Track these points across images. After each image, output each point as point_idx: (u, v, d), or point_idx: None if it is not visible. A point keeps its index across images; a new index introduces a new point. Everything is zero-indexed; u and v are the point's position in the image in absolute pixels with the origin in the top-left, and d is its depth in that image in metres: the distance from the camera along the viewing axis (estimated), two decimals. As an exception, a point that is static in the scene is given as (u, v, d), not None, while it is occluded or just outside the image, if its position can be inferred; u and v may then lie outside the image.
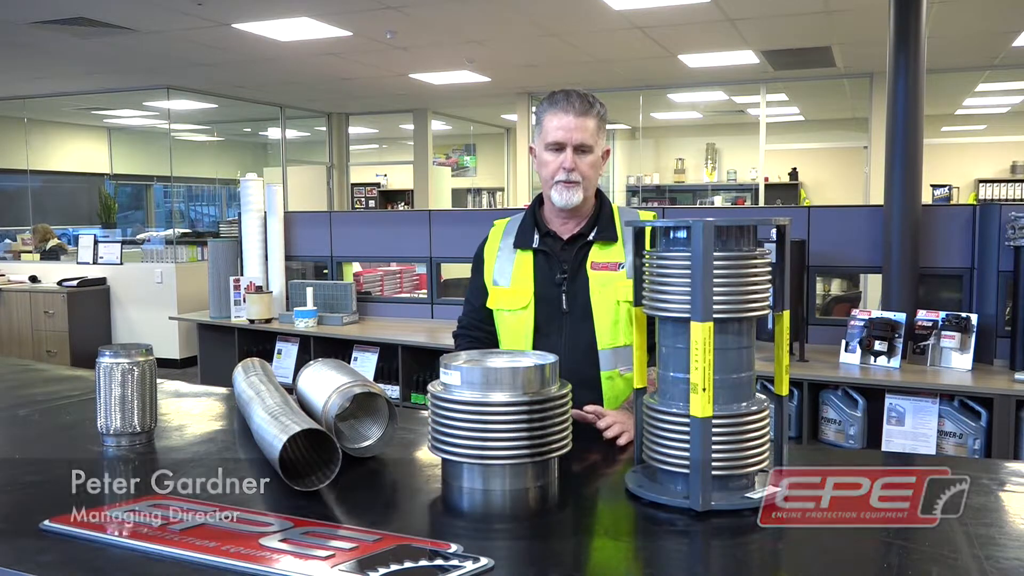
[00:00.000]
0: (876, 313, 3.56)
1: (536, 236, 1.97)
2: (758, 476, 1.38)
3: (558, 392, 1.45)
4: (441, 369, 1.47)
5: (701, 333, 1.27)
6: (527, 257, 1.97)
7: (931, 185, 9.64)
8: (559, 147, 1.87)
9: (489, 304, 2.01)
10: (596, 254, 1.93)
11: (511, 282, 1.97)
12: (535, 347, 1.89)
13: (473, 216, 5.80)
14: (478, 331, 2.05)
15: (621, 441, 1.71)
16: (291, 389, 1.74)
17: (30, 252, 8.81)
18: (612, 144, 11.85)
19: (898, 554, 1.16)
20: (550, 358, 1.49)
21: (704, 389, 1.27)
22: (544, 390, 1.44)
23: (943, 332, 3.41)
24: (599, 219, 1.96)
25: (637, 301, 1.44)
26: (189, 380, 2.60)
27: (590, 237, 1.94)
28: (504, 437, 1.39)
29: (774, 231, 1.40)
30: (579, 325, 1.91)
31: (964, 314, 3.43)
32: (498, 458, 1.39)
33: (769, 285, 1.36)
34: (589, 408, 1.77)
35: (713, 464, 1.30)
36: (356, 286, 5.09)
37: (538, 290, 1.93)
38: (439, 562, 1.09)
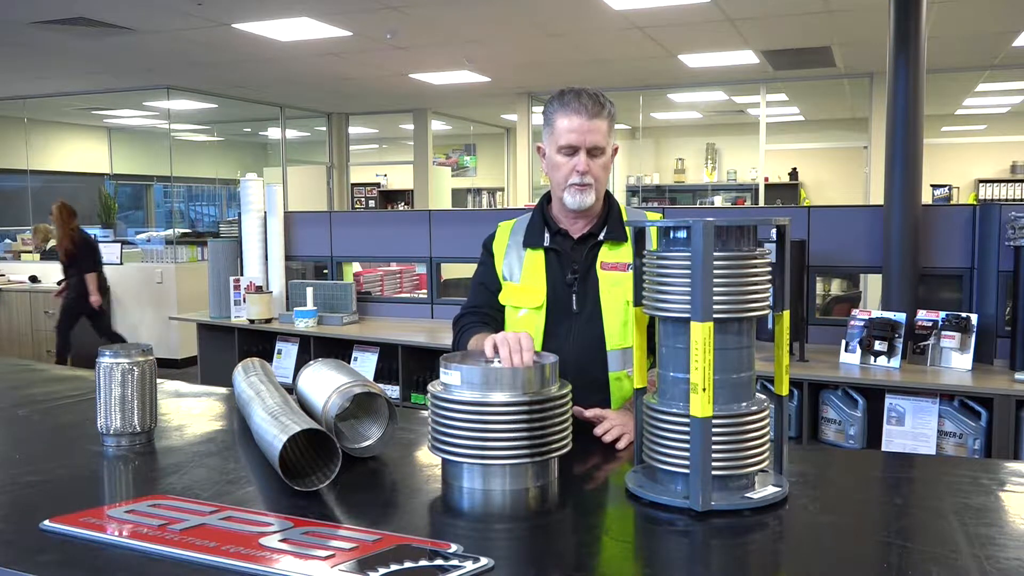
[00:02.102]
0: (876, 313, 3.55)
1: (547, 235, 1.96)
2: (758, 476, 1.38)
3: (558, 392, 1.45)
4: (441, 369, 1.47)
5: (701, 333, 1.27)
6: (538, 256, 1.95)
7: (931, 185, 9.64)
8: (572, 150, 1.85)
9: (501, 299, 1.98)
10: (606, 254, 1.92)
11: (521, 280, 1.95)
12: (544, 347, 1.88)
13: (473, 216, 5.80)
14: (489, 310, 1.99)
15: (621, 444, 1.70)
16: (291, 389, 1.74)
17: (30, 252, 8.81)
18: (612, 144, 11.87)
19: (898, 554, 1.16)
20: (550, 358, 1.49)
21: (704, 389, 1.27)
22: (544, 390, 1.44)
23: (943, 332, 3.41)
24: (608, 219, 1.95)
25: (637, 301, 1.44)
26: (189, 380, 2.60)
27: (600, 237, 1.93)
28: (504, 437, 1.39)
29: (774, 231, 1.40)
30: (588, 326, 1.90)
31: (964, 314, 3.43)
32: (498, 458, 1.39)
33: (769, 285, 1.36)
34: (590, 413, 1.75)
35: (713, 464, 1.30)
36: (356, 286, 5.09)
37: (550, 290, 1.92)
38: (439, 562, 1.09)
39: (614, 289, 1.89)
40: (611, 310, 1.89)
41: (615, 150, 1.95)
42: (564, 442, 1.46)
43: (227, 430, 1.86)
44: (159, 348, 7.45)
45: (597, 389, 1.86)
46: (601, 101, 1.85)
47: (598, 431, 1.72)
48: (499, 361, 1.50)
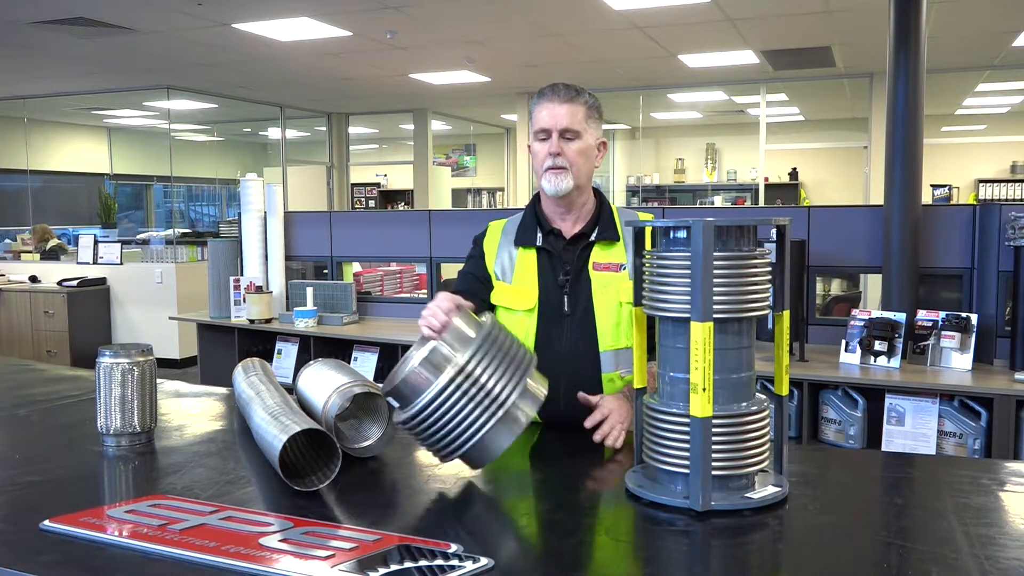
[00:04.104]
0: (876, 313, 3.55)
1: (539, 234, 1.95)
2: (758, 476, 1.38)
3: (490, 326, 1.46)
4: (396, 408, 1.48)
5: (701, 333, 1.27)
6: (530, 255, 1.94)
7: (931, 185, 9.64)
8: (546, 133, 1.87)
9: (493, 299, 1.97)
10: (598, 255, 1.91)
11: (513, 280, 1.94)
12: (537, 350, 1.86)
13: (473, 216, 5.80)
14: (470, 296, 1.90)
15: (619, 444, 1.68)
16: (291, 389, 1.74)
17: (30, 252, 8.81)
18: (612, 144, 11.86)
19: (898, 554, 1.16)
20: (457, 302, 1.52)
21: (704, 389, 1.27)
22: (478, 335, 1.44)
23: (943, 332, 3.41)
24: (600, 219, 1.94)
25: (637, 301, 1.44)
26: (189, 380, 2.60)
27: (592, 237, 1.92)
28: (483, 394, 1.39)
29: (774, 231, 1.40)
30: (581, 327, 1.89)
31: (964, 314, 3.43)
32: (492, 415, 1.39)
33: (769, 285, 1.36)
34: (588, 424, 1.72)
35: (713, 464, 1.30)
36: (356, 286, 5.09)
37: (542, 292, 1.91)
38: (439, 562, 1.09)
39: (606, 290, 1.88)
40: (604, 311, 1.88)
41: (603, 144, 1.94)
42: (526, 356, 1.47)
43: (227, 430, 1.86)
44: (159, 348, 7.45)
45: (591, 391, 1.84)
46: (577, 89, 1.88)
47: (597, 437, 1.70)
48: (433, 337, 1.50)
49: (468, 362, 1.39)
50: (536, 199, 2.01)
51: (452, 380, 1.37)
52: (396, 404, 1.44)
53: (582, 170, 1.89)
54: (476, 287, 1.98)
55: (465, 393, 1.38)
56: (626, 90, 9.42)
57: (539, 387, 1.48)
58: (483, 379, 1.39)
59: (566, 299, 1.90)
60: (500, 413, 1.38)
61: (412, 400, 1.40)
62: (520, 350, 1.48)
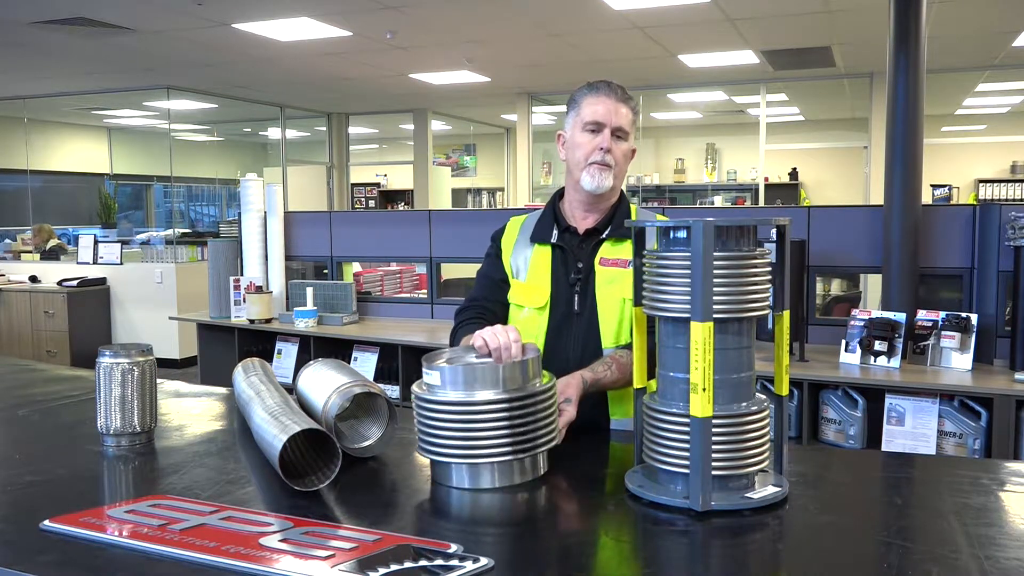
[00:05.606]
0: (876, 313, 3.55)
1: (555, 231, 1.95)
2: (758, 476, 1.38)
3: (541, 387, 1.46)
4: (423, 369, 1.49)
5: (701, 333, 1.27)
6: (544, 252, 1.95)
7: (931, 185, 9.65)
8: (597, 127, 1.86)
9: (508, 296, 1.98)
10: (607, 250, 1.92)
11: (527, 277, 1.95)
12: (547, 347, 1.89)
13: (473, 216, 5.80)
14: (490, 303, 1.97)
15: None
16: (291, 389, 1.74)
17: (30, 252, 8.81)
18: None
19: (898, 554, 1.16)
20: (532, 352, 1.52)
21: (704, 389, 1.27)
22: (527, 385, 1.45)
23: (943, 332, 3.41)
24: (615, 216, 1.95)
25: (637, 301, 1.44)
26: (189, 380, 2.60)
27: (604, 234, 1.93)
28: (489, 435, 1.40)
29: (774, 231, 1.40)
30: (587, 324, 1.90)
31: (964, 314, 3.43)
32: (484, 456, 1.40)
33: (769, 285, 1.35)
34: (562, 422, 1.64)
35: (713, 464, 1.30)
36: (356, 286, 5.09)
37: (553, 289, 1.92)
38: (439, 562, 1.09)
39: (611, 286, 1.89)
40: (607, 307, 1.89)
41: (633, 152, 1.95)
42: (550, 436, 1.46)
43: (227, 430, 1.86)
44: (159, 348, 7.44)
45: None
46: (628, 93, 1.91)
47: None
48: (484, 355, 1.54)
49: (527, 397, 1.42)
50: (558, 196, 2.01)
51: (503, 402, 1.40)
52: (434, 380, 1.45)
53: (622, 172, 1.91)
54: (492, 291, 2.00)
55: (505, 419, 1.40)
56: (626, 90, 9.42)
57: (542, 464, 1.49)
58: (525, 421, 1.42)
59: (576, 297, 1.91)
60: (508, 458, 1.41)
61: (452, 388, 1.42)
62: (556, 424, 1.50)
